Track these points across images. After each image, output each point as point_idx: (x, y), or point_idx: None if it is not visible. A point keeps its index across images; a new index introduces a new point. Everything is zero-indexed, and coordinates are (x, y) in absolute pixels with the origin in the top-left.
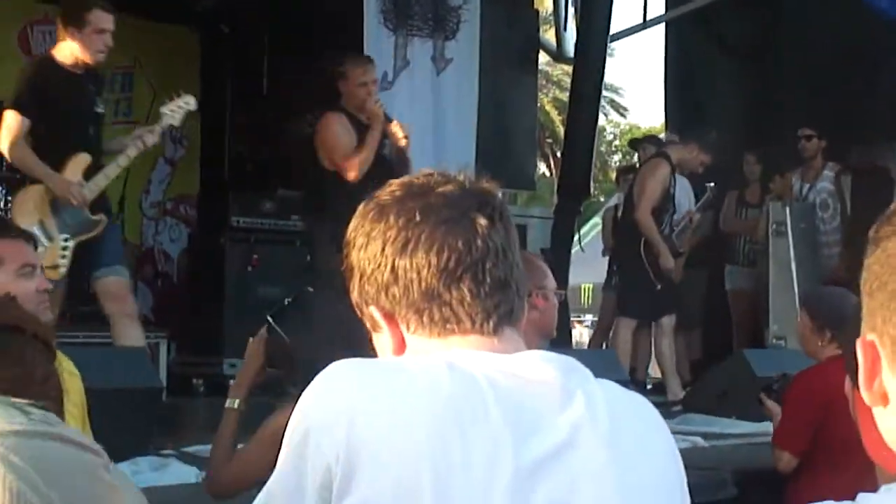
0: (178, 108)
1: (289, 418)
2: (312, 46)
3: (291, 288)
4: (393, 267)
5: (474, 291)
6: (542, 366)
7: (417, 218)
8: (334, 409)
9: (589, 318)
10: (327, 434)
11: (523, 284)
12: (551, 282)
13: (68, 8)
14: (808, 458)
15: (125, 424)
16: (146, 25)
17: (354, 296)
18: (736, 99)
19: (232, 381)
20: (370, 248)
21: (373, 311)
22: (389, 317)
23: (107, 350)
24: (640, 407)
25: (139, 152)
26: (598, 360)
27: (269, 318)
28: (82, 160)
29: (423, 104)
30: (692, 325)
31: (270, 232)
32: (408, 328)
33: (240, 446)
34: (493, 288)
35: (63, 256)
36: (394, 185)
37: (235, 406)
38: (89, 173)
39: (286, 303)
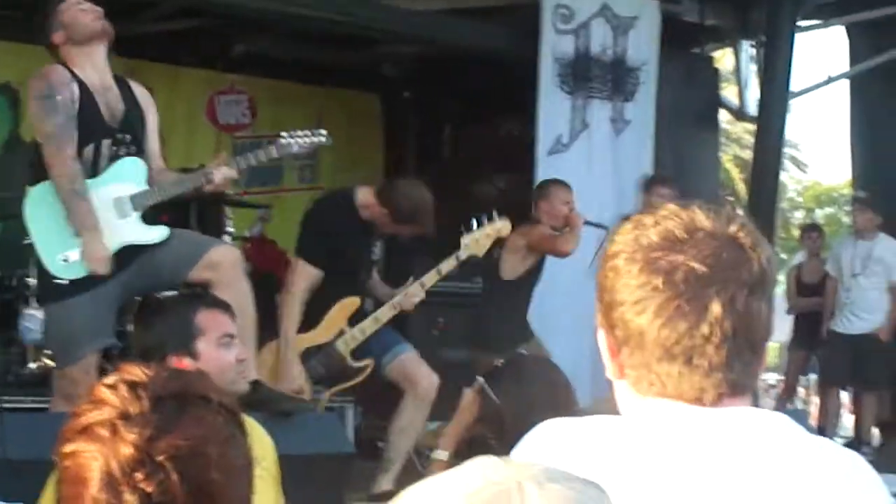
0: (485, 237)
1: None
2: (492, 110)
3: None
4: (622, 315)
5: (685, 373)
6: (750, 427)
7: (654, 283)
8: None
9: (772, 376)
10: None
11: (752, 363)
12: None
13: (390, 201)
14: None
15: (318, 489)
16: (329, 92)
17: (597, 308)
18: None
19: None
20: (612, 281)
21: (602, 337)
22: (613, 350)
23: (300, 416)
24: (852, 466)
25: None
26: None
27: (480, 380)
28: (350, 305)
29: (601, 166)
30: (882, 383)
31: (455, 295)
32: (621, 373)
33: None
34: (710, 370)
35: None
36: (656, 229)
37: (444, 458)
38: (357, 317)
39: (498, 364)
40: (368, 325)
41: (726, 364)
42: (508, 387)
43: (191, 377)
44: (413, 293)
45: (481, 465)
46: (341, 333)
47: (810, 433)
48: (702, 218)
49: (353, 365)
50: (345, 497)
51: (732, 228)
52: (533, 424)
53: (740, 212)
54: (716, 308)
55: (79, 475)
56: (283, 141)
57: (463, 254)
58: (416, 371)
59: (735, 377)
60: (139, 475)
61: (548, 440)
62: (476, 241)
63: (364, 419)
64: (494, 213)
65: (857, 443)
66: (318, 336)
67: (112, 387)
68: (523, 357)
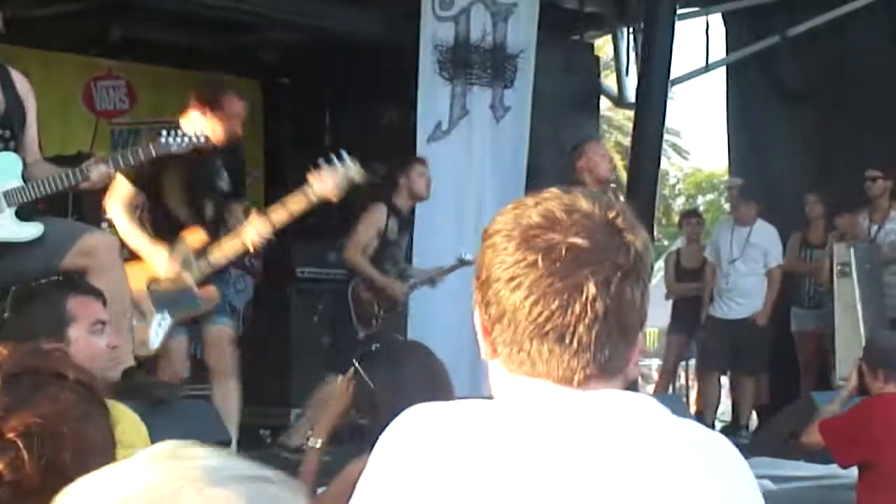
0: (333, 179)
1: (363, 468)
2: (372, 98)
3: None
4: (496, 291)
5: (556, 351)
6: (614, 408)
7: (529, 260)
8: (408, 458)
9: (655, 362)
10: (399, 483)
11: (621, 348)
12: None
13: (205, 89)
14: (868, 480)
15: None
16: (209, 78)
17: (474, 286)
18: (797, 140)
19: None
20: (489, 258)
21: (477, 316)
22: (486, 328)
23: (175, 403)
24: (716, 449)
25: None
26: (664, 404)
27: (354, 362)
28: (194, 235)
29: (481, 152)
30: (759, 368)
31: (335, 282)
32: (494, 351)
33: (320, 491)
34: (580, 350)
35: (156, 334)
36: (537, 209)
37: (318, 446)
38: (206, 249)
39: (374, 348)
40: (215, 255)
41: (596, 345)
42: (383, 370)
43: (47, 354)
44: (260, 224)
45: (145, 463)
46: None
47: (677, 416)
48: (582, 201)
49: (195, 296)
50: None
51: (611, 213)
52: (406, 409)
53: (621, 199)
54: (589, 288)
55: None
56: (161, 140)
57: (312, 193)
58: (221, 347)
59: (605, 360)
60: None
61: (415, 425)
62: (321, 180)
63: (245, 406)
64: (345, 154)
65: (735, 427)
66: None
67: None
68: (399, 341)
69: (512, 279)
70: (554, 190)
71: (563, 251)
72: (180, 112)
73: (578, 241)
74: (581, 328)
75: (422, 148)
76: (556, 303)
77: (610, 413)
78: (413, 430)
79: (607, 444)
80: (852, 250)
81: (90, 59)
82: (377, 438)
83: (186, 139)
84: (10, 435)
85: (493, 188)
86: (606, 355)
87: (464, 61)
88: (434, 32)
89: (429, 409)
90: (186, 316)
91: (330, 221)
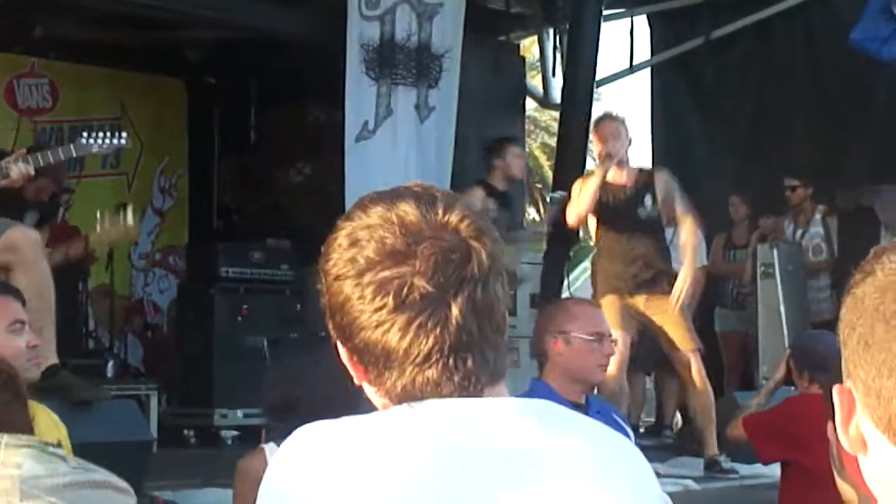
0: (106, 234)
1: (253, 466)
2: (298, 96)
3: (281, 337)
4: (365, 339)
5: (443, 380)
6: (510, 418)
7: (390, 305)
8: (304, 483)
9: None
10: None
11: (501, 345)
12: (578, 326)
13: None
14: (791, 478)
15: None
16: (133, 76)
17: (328, 323)
18: (721, 141)
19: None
20: (342, 304)
21: (343, 351)
22: (363, 374)
23: (98, 403)
24: (616, 452)
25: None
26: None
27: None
28: None
29: (406, 152)
30: None
31: (259, 281)
32: (370, 384)
33: None
34: (467, 369)
35: None
36: (371, 246)
37: None
38: None
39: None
40: None
41: (483, 359)
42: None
43: None
44: None
45: None
46: None
47: (587, 417)
48: (414, 219)
49: None
50: (144, 486)
51: (452, 220)
52: (299, 402)
53: (458, 199)
54: (455, 312)
55: None
56: (83, 141)
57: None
58: None
59: (491, 366)
60: None
61: (308, 451)
62: (98, 238)
63: (169, 406)
64: (129, 210)
65: (659, 427)
66: None
67: None
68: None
69: (379, 326)
70: (378, 210)
71: (419, 287)
72: (104, 110)
73: (430, 276)
74: (461, 350)
75: (349, 147)
76: (431, 339)
77: (506, 422)
78: (304, 451)
79: (504, 453)
80: (775, 251)
81: (13, 57)
82: (270, 420)
83: (108, 141)
84: None
85: None
86: (492, 359)
87: (389, 61)
88: (360, 31)
89: (312, 431)
90: None
91: (255, 222)
